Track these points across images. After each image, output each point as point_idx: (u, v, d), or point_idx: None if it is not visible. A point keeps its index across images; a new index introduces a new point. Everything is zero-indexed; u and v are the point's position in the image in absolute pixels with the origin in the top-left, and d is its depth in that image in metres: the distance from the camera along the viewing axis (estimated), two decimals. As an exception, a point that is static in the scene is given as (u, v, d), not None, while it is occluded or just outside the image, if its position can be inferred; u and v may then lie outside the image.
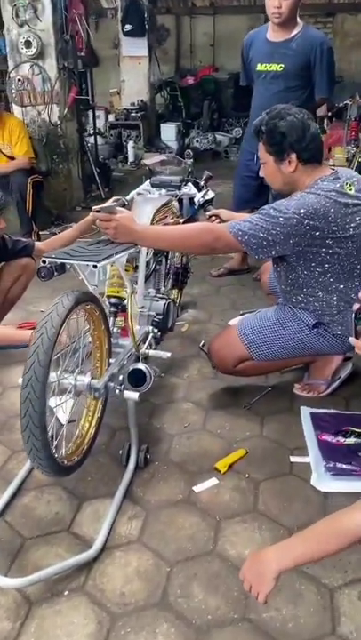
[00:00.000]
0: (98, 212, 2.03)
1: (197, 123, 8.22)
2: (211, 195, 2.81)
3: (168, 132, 7.96)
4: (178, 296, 3.29)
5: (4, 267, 2.82)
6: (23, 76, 4.83)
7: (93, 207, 2.05)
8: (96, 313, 1.96)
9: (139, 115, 7.66)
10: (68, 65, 4.95)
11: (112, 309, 2.20)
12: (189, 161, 2.93)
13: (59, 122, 4.98)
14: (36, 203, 4.40)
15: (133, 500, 1.99)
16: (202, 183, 2.87)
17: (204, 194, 2.80)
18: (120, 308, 2.22)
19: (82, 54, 5.22)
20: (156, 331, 2.38)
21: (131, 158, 7.19)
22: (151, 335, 2.34)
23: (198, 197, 2.79)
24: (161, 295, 2.51)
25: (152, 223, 2.38)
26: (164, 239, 2.14)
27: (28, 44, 4.70)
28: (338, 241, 2.11)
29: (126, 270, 2.23)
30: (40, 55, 4.77)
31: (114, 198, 2.51)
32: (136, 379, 2.01)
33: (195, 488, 2.04)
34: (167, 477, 2.09)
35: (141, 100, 7.92)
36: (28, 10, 4.58)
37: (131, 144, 7.29)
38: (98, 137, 7.61)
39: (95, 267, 1.74)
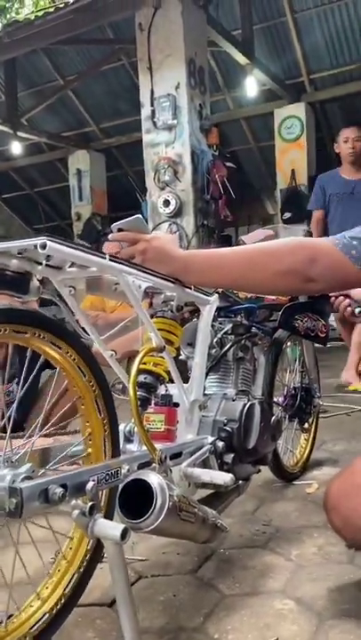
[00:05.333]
0: (120, 230, 1.29)
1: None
2: None
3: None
4: (307, 442, 2.22)
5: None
6: (161, 235, 4.71)
7: (113, 225, 1.31)
8: (67, 364, 1.08)
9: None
10: (208, 224, 4.74)
11: (139, 392, 1.28)
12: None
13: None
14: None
15: None
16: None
17: None
18: (154, 394, 1.30)
19: (226, 218, 5.03)
20: (221, 445, 1.36)
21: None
22: (208, 447, 1.32)
23: None
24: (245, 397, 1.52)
25: None
26: (220, 267, 1.26)
27: (166, 202, 4.66)
28: None
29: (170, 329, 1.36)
30: (178, 213, 4.67)
31: None
32: (134, 500, 0.98)
33: None
34: None
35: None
36: (167, 172, 4.61)
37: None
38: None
39: None
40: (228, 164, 5.13)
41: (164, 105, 4.71)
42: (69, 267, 1.11)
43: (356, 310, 1.72)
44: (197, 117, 4.87)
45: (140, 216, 1.30)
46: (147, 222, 4.83)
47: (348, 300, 1.75)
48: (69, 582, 1.08)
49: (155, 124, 4.83)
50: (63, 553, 1.10)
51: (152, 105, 4.81)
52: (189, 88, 4.76)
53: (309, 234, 2.21)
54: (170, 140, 4.77)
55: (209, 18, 5.24)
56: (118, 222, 1.30)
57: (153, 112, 4.82)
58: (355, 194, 3.98)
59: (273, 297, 1.78)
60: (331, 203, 4.11)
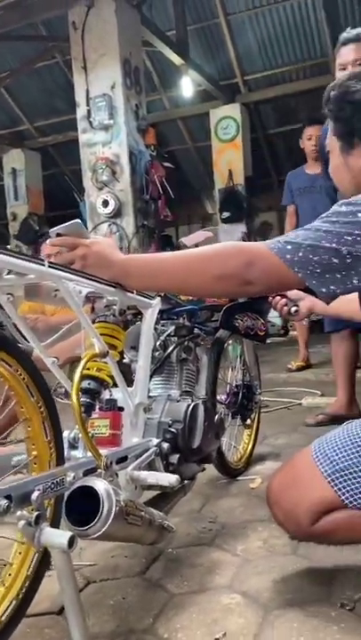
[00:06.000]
0: (59, 235, 1.28)
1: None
2: None
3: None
4: (250, 438, 2.28)
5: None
6: (101, 235, 4.68)
7: (51, 230, 1.30)
8: (16, 383, 1.06)
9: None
10: (148, 224, 4.75)
11: (83, 398, 1.27)
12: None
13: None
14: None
15: None
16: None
17: None
18: (98, 400, 1.30)
19: (166, 218, 5.05)
20: (167, 447, 1.38)
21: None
22: (154, 449, 1.33)
23: None
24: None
25: None
26: (160, 272, 1.27)
27: (105, 203, 4.63)
28: None
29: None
30: (118, 214, 4.65)
31: None
32: (81, 507, 0.98)
33: None
34: None
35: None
36: (105, 172, 4.59)
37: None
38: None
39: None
40: (167, 164, 5.15)
41: (99, 105, 4.67)
42: (7, 274, 1.09)
43: (293, 309, 1.78)
44: (134, 118, 4.86)
45: (78, 221, 1.30)
46: (86, 222, 4.79)
47: (284, 300, 1.81)
48: (7, 609, 1.05)
49: (91, 123, 4.78)
50: (2, 579, 1.07)
51: (88, 105, 4.76)
52: (125, 88, 4.75)
53: (247, 235, 2.24)
54: (107, 140, 4.75)
55: (143, 18, 5.24)
56: (57, 227, 1.29)
57: (89, 112, 4.78)
58: (315, 187, 4.11)
59: (214, 298, 1.82)
60: (296, 197, 4.27)
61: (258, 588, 1.39)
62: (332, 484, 1.26)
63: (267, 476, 2.16)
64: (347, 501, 1.25)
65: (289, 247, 1.17)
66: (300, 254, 1.16)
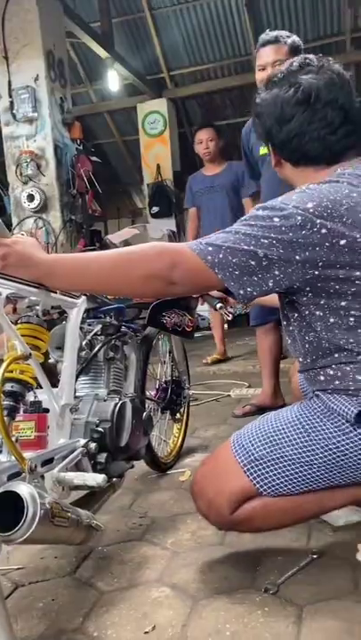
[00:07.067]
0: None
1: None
2: None
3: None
4: (179, 432, 2.31)
5: None
6: (26, 231, 4.57)
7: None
8: None
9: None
10: (76, 218, 4.68)
11: (6, 401, 1.25)
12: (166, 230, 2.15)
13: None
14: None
15: None
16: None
17: None
18: (23, 402, 1.28)
19: (95, 212, 4.99)
20: (94, 446, 1.38)
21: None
22: (81, 450, 1.33)
23: None
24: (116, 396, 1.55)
25: None
26: (85, 273, 1.27)
27: (30, 197, 4.52)
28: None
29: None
30: (44, 208, 4.56)
31: None
32: (6, 512, 0.97)
33: None
34: None
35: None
36: (30, 165, 4.48)
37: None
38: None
39: None
40: (94, 158, 5.09)
41: (23, 97, 4.55)
42: None
43: (218, 306, 1.83)
44: (59, 111, 4.77)
45: (-1, 220, 1.27)
46: (10, 217, 4.66)
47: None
48: None
49: (14, 116, 4.65)
50: None
51: (10, 96, 4.62)
52: (49, 81, 4.64)
53: (174, 234, 2.22)
54: (31, 134, 4.63)
55: (66, 8, 5.14)
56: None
57: (12, 104, 4.64)
58: (215, 187, 4.23)
59: (140, 298, 1.83)
60: (197, 199, 4.35)
61: (186, 580, 1.42)
62: (248, 473, 1.31)
63: (195, 469, 2.21)
64: (261, 489, 1.30)
65: (210, 249, 1.21)
66: (221, 256, 1.19)
